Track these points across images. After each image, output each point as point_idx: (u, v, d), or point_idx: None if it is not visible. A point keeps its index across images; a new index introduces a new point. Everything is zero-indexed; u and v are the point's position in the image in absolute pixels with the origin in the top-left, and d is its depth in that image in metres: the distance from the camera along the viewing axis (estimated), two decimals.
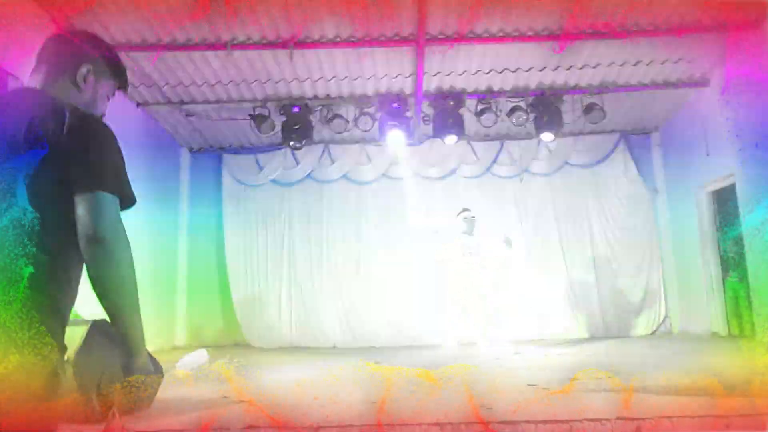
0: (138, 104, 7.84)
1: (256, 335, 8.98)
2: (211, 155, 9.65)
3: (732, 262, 7.79)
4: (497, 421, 2.86)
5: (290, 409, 3.35)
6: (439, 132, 8.01)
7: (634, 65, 7.27)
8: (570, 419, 2.88)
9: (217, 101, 7.93)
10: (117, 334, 2.78)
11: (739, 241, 7.50)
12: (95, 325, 3.15)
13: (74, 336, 3.08)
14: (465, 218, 7.00)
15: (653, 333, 8.80)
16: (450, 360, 6.02)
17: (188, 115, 8.17)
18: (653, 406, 2.96)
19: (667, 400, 3.11)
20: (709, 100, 7.76)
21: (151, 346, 3.70)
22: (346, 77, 7.42)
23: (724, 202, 7.90)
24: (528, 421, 2.86)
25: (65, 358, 2.80)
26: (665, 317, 8.96)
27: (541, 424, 2.84)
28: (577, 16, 6.18)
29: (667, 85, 7.76)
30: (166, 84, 7.39)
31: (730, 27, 6.39)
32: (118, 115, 7.54)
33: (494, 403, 3.31)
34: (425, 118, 8.20)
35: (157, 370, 3.61)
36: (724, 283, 7.96)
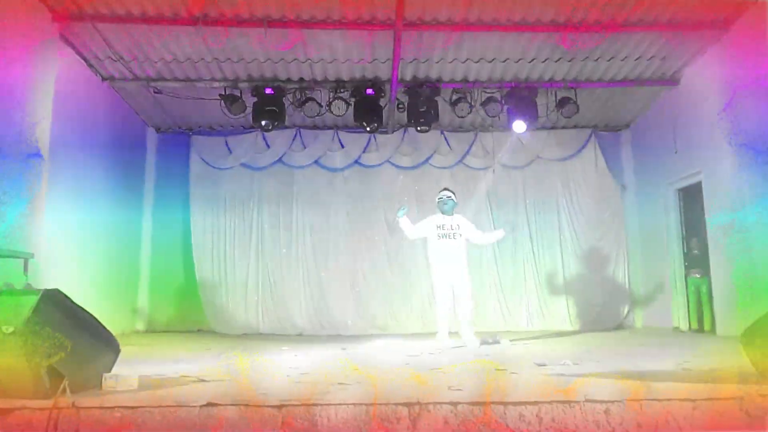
0: (103, 79, 7.57)
1: (221, 321, 8.81)
2: (179, 136, 9.40)
3: (695, 259, 7.95)
4: (467, 402, 2.81)
5: (254, 388, 3.24)
6: (413, 121, 7.94)
7: (609, 60, 7.33)
8: (538, 401, 2.85)
9: (187, 79, 7.71)
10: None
11: (703, 239, 7.66)
12: (46, 295, 3.00)
13: (23, 305, 2.92)
14: (440, 198, 6.37)
15: (617, 326, 8.92)
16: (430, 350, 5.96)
17: (156, 92, 7.91)
18: (621, 390, 2.95)
19: (635, 385, 3.10)
20: (678, 99, 7.89)
21: (111, 328, 3.56)
22: (320, 60, 7.29)
23: (691, 199, 8.05)
24: (497, 402, 2.82)
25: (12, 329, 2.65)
26: (629, 311, 9.10)
27: (510, 405, 2.81)
28: (557, 8, 6.19)
29: (639, 81, 7.85)
30: (134, 59, 7.14)
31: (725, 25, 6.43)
32: (83, 89, 7.30)
33: (463, 384, 3.26)
34: (399, 106, 8.12)
35: (113, 347, 3.48)
36: (686, 280, 8.11)
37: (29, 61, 5.77)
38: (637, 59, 7.33)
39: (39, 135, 5.93)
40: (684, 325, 8.07)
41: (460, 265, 6.21)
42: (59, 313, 2.98)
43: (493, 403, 2.84)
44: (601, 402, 2.81)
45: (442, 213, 6.36)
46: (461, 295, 6.18)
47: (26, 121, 5.72)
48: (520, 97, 7.81)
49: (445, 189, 6.61)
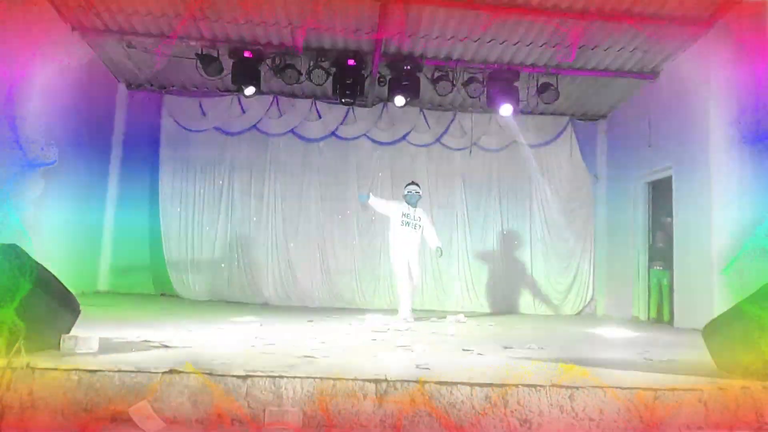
0: (73, 28, 7.22)
1: (185, 286, 8.68)
2: (151, 94, 9.08)
3: (659, 251, 8.11)
4: (435, 381, 2.81)
5: (218, 357, 3.18)
6: (394, 95, 7.83)
7: (593, 49, 7.32)
8: (504, 383, 2.87)
9: (162, 35, 7.40)
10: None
11: (668, 233, 7.81)
12: (3, 249, 2.86)
13: None
14: (408, 192, 6.89)
15: (578, 313, 9.12)
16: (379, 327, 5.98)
17: (129, 47, 7.60)
18: (585, 377, 2.99)
19: (598, 372, 3.15)
20: (655, 93, 7.96)
21: (72, 288, 3.43)
22: (301, 26, 7.08)
23: (660, 193, 8.18)
24: (464, 383, 2.83)
25: None
26: (591, 299, 9.29)
27: (477, 386, 2.81)
28: None
29: (619, 72, 7.88)
30: (106, 10, 6.82)
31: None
32: (51, 37, 6.95)
33: (431, 363, 3.26)
34: (380, 80, 7.99)
35: (73, 308, 3.36)
36: (649, 272, 8.29)
37: None
38: (619, 50, 7.34)
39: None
40: (643, 315, 8.27)
41: (415, 252, 6.86)
42: (16, 269, 2.85)
43: (460, 383, 2.84)
44: (567, 387, 2.85)
45: (408, 204, 6.88)
46: (415, 277, 6.86)
47: None
48: (502, 79, 7.77)
49: (414, 183, 7.05)
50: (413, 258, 6.83)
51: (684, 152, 7.23)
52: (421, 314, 6.73)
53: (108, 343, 3.42)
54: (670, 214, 7.62)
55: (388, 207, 6.97)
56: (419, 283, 7.09)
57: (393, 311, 7.23)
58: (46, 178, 6.88)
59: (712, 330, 3.32)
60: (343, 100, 7.82)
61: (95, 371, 2.77)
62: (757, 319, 3.03)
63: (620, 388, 2.86)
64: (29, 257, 3.03)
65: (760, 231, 6.14)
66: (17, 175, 5.80)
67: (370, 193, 7.11)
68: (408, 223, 6.80)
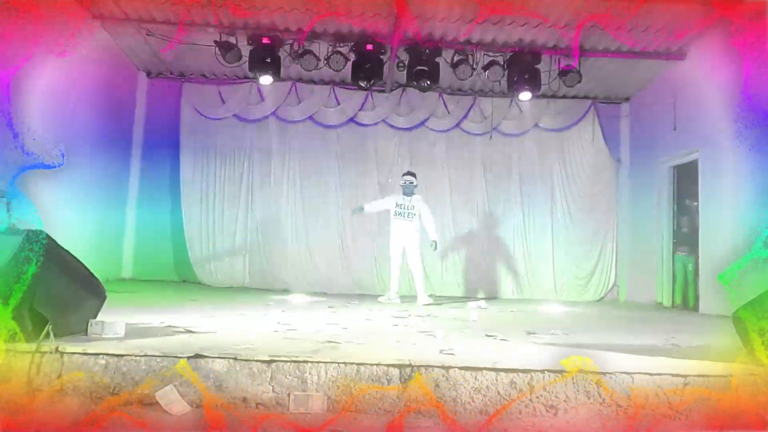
0: (94, 17, 7.24)
1: (207, 273, 8.75)
2: (170, 82, 9.11)
3: (684, 236, 7.97)
4: (459, 367, 2.79)
5: (242, 342, 3.19)
6: (413, 80, 7.76)
7: (616, 30, 7.13)
8: (530, 369, 2.84)
9: (181, 23, 7.40)
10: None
11: (694, 217, 7.66)
12: (31, 236, 2.89)
13: (6, 245, 2.81)
14: (404, 182, 7.13)
15: (601, 299, 9.02)
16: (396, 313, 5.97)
17: (148, 34, 7.62)
18: (612, 362, 2.94)
19: (625, 358, 3.10)
20: (681, 75, 7.76)
21: (96, 274, 3.46)
22: (321, 11, 7.02)
23: (685, 177, 8.01)
24: (489, 368, 2.80)
25: None
26: (614, 285, 9.18)
27: (502, 372, 2.79)
28: None
29: (644, 54, 7.69)
30: None
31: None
32: (70, 26, 6.95)
33: (455, 349, 3.24)
34: (399, 65, 7.90)
35: (99, 293, 3.40)
36: (673, 257, 8.16)
37: None
38: (644, 30, 7.15)
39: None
40: (667, 301, 8.15)
41: (410, 241, 7.06)
42: (44, 255, 2.88)
43: (484, 368, 2.82)
44: (594, 373, 2.81)
45: (403, 194, 7.12)
46: (411, 267, 7.15)
47: None
48: (523, 62, 7.63)
49: (409, 173, 7.26)
50: (410, 247, 7.02)
51: (711, 135, 7.06)
52: (442, 300, 6.73)
53: (133, 329, 3.45)
54: (696, 199, 7.47)
55: (384, 204, 7.33)
56: (420, 270, 7.15)
57: (414, 297, 7.23)
58: (70, 171, 6.96)
59: (743, 314, 3.24)
60: (362, 85, 7.76)
61: (122, 355, 2.80)
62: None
63: (648, 374, 2.81)
64: (56, 243, 3.06)
65: (759, 241, 6.01)
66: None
67: (362, 205, 7.55)
68: (401, 213, 7.04)
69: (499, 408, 2.74)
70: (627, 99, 9.40)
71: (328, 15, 7.05)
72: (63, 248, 3.10)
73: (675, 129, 7.90)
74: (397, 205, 7.12)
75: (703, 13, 6.64)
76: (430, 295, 7.23)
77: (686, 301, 7.74)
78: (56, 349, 2.76)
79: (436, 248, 7.24)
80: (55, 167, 5.76)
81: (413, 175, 7.28)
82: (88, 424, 2.46)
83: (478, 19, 6.96)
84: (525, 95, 7.85)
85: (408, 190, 7.12)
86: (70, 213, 7.00)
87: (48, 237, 2.98)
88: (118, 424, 2.47)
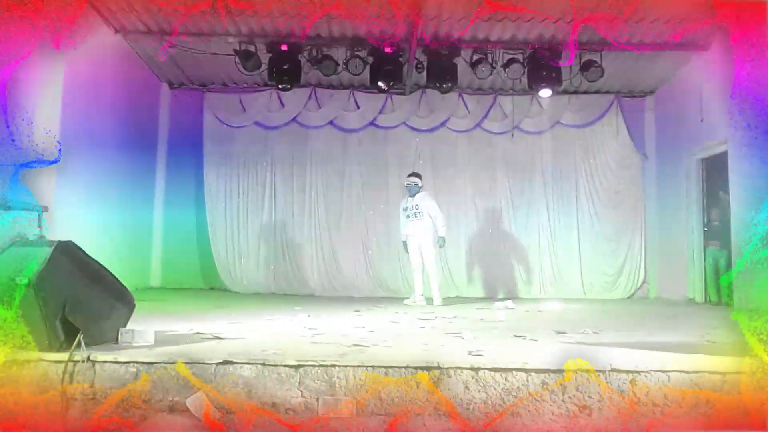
0: (116, 31, 7.38)
1: (233, 280, 8.82)
2: (192, 92, 9.23)
3: (715, 230, 7.78)
4: (488, 368, 2.75)
5: (269, 347, 3.20)
6: (432, 81, 7.73)
7: (638, 22, 7.02)
8: (562, 369, 2.78)
9: (201, 33, 7.50)
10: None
11: (724, 210, 7.48)
12: (60, 246, 2.94)
13: (37, 256, 2.86)
14: (407, 184, 7.26)
15: (630, 297, 8.85)
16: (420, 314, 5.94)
17: (170, 46, 7.72)
18: (646, 361, 2.87)
19: (659, 356, 3.02)
20: (707, 66, 7.58)
21: (125, 283, 3.51)
22: (338, 16, 7.04)
23: (714, 170, 7.83)
24: (519, 369, 2.76)
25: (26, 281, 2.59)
26: (643, 282, 9.01)
27: (533, 372, 2.74)
28: None
29: (668, 45, 7.53)
30: (147, 11, 6.93)
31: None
32: (94, 41, 7.11)
33: (483, 350, 3.20)
34: (418, 66, 7.88)
35: (128, 302, 3.44)
36: (705, 251, 7.97)
37: None
38: (667, 21, 7.01)
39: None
40: (699, 297, 7.96)
41: (423, 240, 7.08)
42: (73, 265, 2.93)
43: (515, 369, 2.78)
44: (627, 372, 2.75)
45: (409, 196, 7.22)
46: (426, 266, 7.12)
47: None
48: (543, 59, 7.54)
49: (413, 175, 7.35)
50: (424, 246, 7.05)
51: (741, 126, 6.87)
52: (468, 301, 6.67)
53: (162, 336, 3.48)
54: (725, 192, 7.29)
55: (401, 218, 7.33)
56: (434, 269, 7.15)
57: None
58: (97, 183, 7.09)
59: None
60: (385, 89, 7.77)
61: (152, 363, 2.82)
62: None
63: (685, 372, 2.74)
64: (86, 254, 3.11)
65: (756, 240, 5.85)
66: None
67: (402, 239, 7.37)
68: (409, 215, 7.14)
69: (530, 408, 2.69)
70: (651, 92, 9.23)
71: (345, 19, 7.08)
72: (92, 258, 3.15)
73: (702, 121, 7.73)
74: (403, 209, 7.27)
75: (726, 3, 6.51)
76: (454, 297, 7.21)
77: (720, 296, 7.55)
78: (88, 358, 2.80)
79: (443, 245, 7.22)
80: (52, 163, 5.83)
81: (417, 176, 7.35)
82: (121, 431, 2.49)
83: (490, 15, 6.91)
84: (546, 92, 7.76)
85: (413, 191, 7.20)
86: (98, 223, 7.13)
87: (77, 247, 3.02)
88: (150, 431, 2.49)
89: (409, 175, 7.38)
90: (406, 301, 7.20)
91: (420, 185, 7.26)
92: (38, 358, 2.80)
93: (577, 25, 7.09)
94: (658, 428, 2.58)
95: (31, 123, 5.51)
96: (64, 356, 2.79)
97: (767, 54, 5.41)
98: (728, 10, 5.90)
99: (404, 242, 7.31)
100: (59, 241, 2.91)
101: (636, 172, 9.15)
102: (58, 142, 5.97)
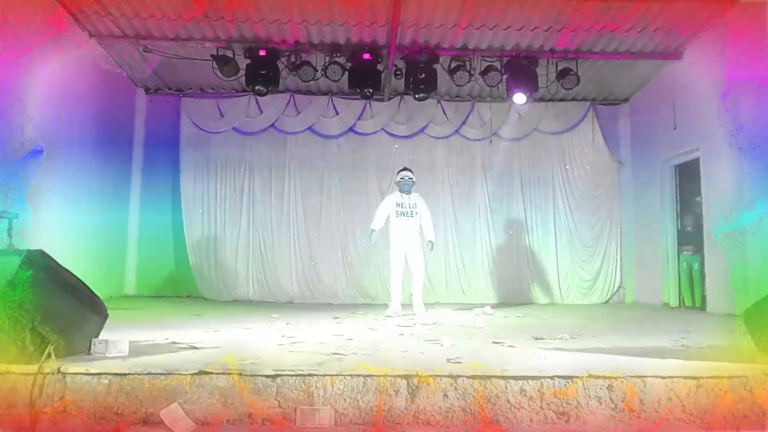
0: (90, 35, 7.26)
1: (210, 287, 8.71)
2: (168, 97, 9.13)
3: (689, 236, 7.93)
4: (467, 375, 2.75)
5: (246, 357, 3.15)
6: (411, 88, 7.75)
7: (612, 31, 7.14)
8: (539, 375, 2.79)
9: (177, 38, 7.42)
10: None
11: (697, 216, 7.62)
12: (30, 256, 2.86)
13: (6, 266, 2.78)
14: (401, 179, 6.73)
15: (606, 302, 8.96)
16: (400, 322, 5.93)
17: (145, 51, 7.63)
18: (623, 366, 2.90)
19: (636, 361, 3.06)
20: (680, 74, 7.75)
21: (99, 292, 3.43)
22: (316, 22, 7.03)
23: (687, 176, 7.98)
24: (498, 376, 2.76)
25: None
26: (619, 287, 9.12)
27: (511, 379, 2.74)
28: None
29: (642, 54, 7.68)
30: (122, 15, 6.84)
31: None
32: (69, 45, 7.01)
33: (462, 357, 3.19)
34: (397, 73, 7.90)
35: (101, 312, 3.36)
36: (678, 257, 8.11)
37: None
38: (640, 31, 7.14)
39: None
40: (674, 302, 8.09)
41: (414, 242, 6.65)
42: (44, 274, 2.85)
43: (493, 376, 2.78)
44: (604, 378, 2.76)
45: (401, 192, 6.74)
46: (414, 270, 6.66)
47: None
48: (520, 66, 7.62)
49: (407, 170, 6.88)
50: (412, 249, 6.59)
51: (712, 133, 7.03)
52: (445, 307, 6.64)
53: (137, 346, 3.41)
54: (698, 198, 7.43)
55: (384, 211, 6.75)
56: (422, 275, 6.76)
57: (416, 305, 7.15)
58: (70, 190, 6.96)
59: (755, 313, 3.20)
60: (361, 93, 7.75)
61: (125, 374, 2.76)
62: None
63: (660, 377, 2.77)
64: (56, 263, 3.03)
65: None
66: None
67: (372, 228, 6.79)
68: (403, 213, 6.62)
69: (509, 416, 2.69)
70: (626, 100, 9.39)
71: (323, 25, 7.08)
72: (63, 267, 3.07)
73: (675, 128, 7.88)
74: (397, 205, 6.68)
75: (699, 13, 6.65)
76: (433, 303, 6.93)
77: (694, 300, 7.68)
78: (58, 370, 2.73)
79: (432, 248, 6.81)
80: (38, 153, 5.71)
81: (411, 170, 6.89)
82: None
83: (468, 23, 6.97)
84: (520, 98, 7.80)
85: (407, 187, 6.70)
86: (72, 230, 6.99)
87: (47, 256, 2.95)
88: None
89: (404, 170, 6.89)
90: (387, 312, 6.55)
91: (415, 181, 6.83)
92: (6, 370, 2.71)
93: (555, 33, 7.20)
94: None
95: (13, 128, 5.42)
96: (33, 368, 2.72)
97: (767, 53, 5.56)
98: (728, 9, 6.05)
99: (373, 231, 6.73)
100: (29, 250, 2.84)
101: (612, 179, 9.28)
102: (39, 146, 5.87)
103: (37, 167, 5.85)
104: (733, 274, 6.52)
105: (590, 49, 7.59)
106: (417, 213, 6.69)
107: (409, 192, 6.72)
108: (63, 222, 6.80)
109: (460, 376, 2.76)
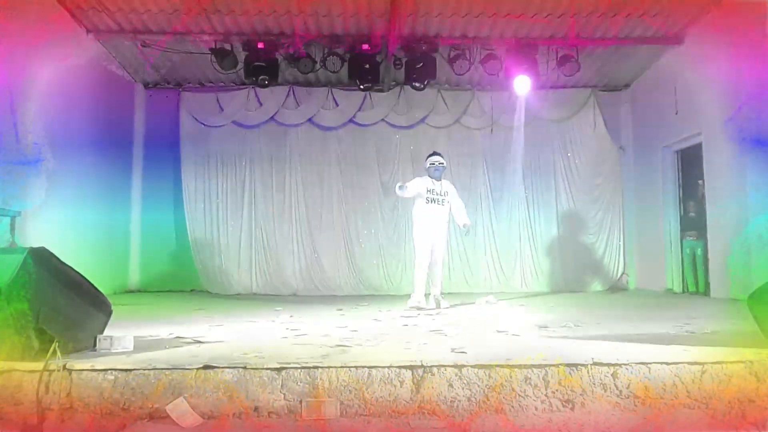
0: (88, 31, 7.23)
1: (214, 281, 8.73)
2: (168, 92, 9.10)
3: (691, 221, 7.91)
4: (472, 365, 2.75)
5: (251, 350, 3.16)
6: (410, 78, 7.72)
7: (612, 17, 7.08)
8: (544, 364, 2.79)
9: (175, 33, 7.38)
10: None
11: (700, 201, 7.61)
12: (33, 253, 2.86)
13: (8, 264, 2.78)
14: (431, 164, 6.29)
15: (610, 288, 8.95)
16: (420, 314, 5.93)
17: (143, 45, 7.60)
18: (627, 353, 2.89)
19: (640, 348, 3.05)
20: (681, 59, 7.70)
21: (103, 288, 3.44)
22: (314, 13, 6.99)
23: (689, 161, 7.95)
24: (502, 365, 2.76)
25: None
26: (623, 273, 9.12)
27: (516, 368, 2.74)
28: None
29: (642, 40, 7.62)
30: (119, 9, 6.81)
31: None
32: (67, 42, 7.00)
33: (466, 347, 3.20)
34: (396, 63, 7.86)
35: (105, 308, 3.37)
36: (681, 242, 8.10)
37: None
38: (640, 16, 7.08)
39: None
40: (678, 287, 8.09)
41: (443, 231, 6.29)
42: (47, 272, 2.85)
43: (498, 365, 2.78)
44: (609, 365, 2.76)
45: (432, 178, 6.30)
46: (438, 259, 6.29)
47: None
48: (520, 54, 7.57)
49: (437, 154, 6.49)
50: (439, 238, 6.23)
51: (714, 118, 7.00)
52: (448, 297, 6.62)
53: (141, 342, 3.42)
54: (701, 183, 7.41)
55: (413, 186, 6.25)
56: (442, 262, 6.45)
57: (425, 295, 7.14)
58: (71, 187, 6.96)
59: (759, 298, 3.19)
60: (362, 86, 7.72)
61: (131, 370, 2.77)
62: None
63: (665, 363, 2.76)
64: (59, 260, 3.03)
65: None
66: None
67: (406, 184, 6.25)
68: (434, 200, 6.20)
69: (514, 405, 2.70)
70: (627, 86, 9.34)
71: (322, 16, 7.03)
72: (66, 264, 3.07)
73: (677, 113, 7.84)
74: (428, 191, 6.19)
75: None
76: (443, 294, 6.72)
77: (698, 286, 7.68)
78: (64, 367, 2.73)
79: (468, 233, 6.63)
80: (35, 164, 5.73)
81: (441, 155, 6.46)
82: None
83: (467, 11, 6.92)
84: (519, 89, 7.76)
85: (437, 173, 6.25)
86: (74, 227, 7.01)
87: (50, 253, 2.95)
88: None
89: (434, 154, 6.42)
90: (410, 303, 6.12)
91: (446, 166, 6.44)
92: (11, 368, 2.72)
93: (555, 20, 7.15)
94: (650, 423, 2.60)
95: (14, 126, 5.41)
96: (39, 366, 2.72)
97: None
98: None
99: (403, 186, 6.15)
100: (31, 248, 2.83)
101: (614, 166, 9.25)
102: (40, 144, 5.87)
103: (39, 165, 5.86)
104: (731, 257, 6.53)
105: (590, 36, 7.54)
106: (447, 201, 6.29)
107: (439, 178, 6.30)
108: (65, 219, 6.81)
109: (464, 366, 2.76)
